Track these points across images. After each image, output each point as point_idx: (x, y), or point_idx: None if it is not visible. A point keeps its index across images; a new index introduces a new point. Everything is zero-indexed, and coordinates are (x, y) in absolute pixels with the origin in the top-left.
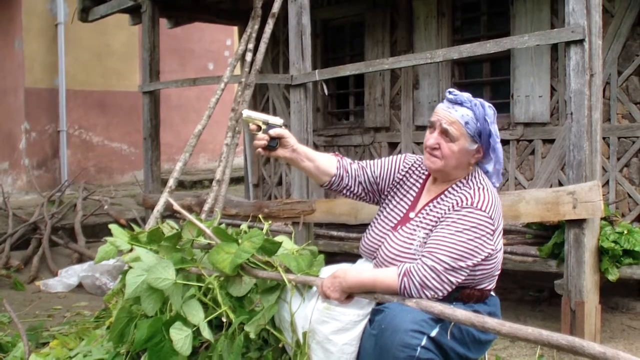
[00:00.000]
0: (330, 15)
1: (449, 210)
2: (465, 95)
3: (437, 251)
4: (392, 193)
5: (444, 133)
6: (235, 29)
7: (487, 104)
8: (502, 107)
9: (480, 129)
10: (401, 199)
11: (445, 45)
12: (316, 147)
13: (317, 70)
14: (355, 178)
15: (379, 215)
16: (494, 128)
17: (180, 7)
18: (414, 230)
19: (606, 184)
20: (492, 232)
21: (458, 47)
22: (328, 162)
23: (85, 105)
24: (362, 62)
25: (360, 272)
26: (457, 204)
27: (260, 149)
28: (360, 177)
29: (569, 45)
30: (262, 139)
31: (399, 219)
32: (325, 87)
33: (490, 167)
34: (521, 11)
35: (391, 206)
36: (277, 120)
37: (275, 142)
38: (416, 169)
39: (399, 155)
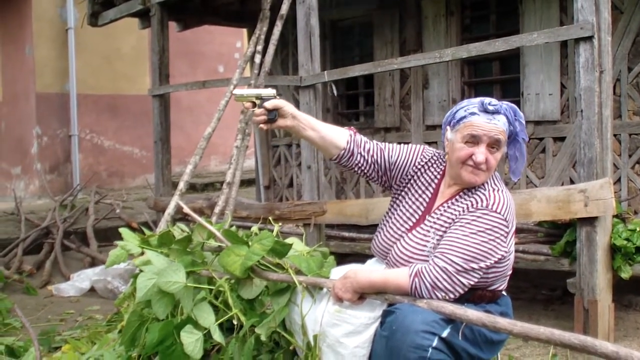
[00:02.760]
0: (338, 16)
1: (463, 211)
2: (497, 102)
3: (449, 252)
4: (406, 188)
5: (493, 145)
6: (245, 31)
7: (510, 104)
8: None
9: (511, 131)
10: (417, 199)
11: (455, 44)
12: None
13: (326, 71)
14: (368, 157)
15: (393, 213)
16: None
17: (189, 11)
18: (428, 231)
19: (618, 181)
20: (505, 235)
21: (467, 45)
22: (337, 135)
23: (96, 110)
24: (371, 62)
25: (371, 272)
26: (472, 205)
27: (261, 125)
28: (374, 158)
29: (578, 42)
30: (259, 114)
31: (414, 220)
32: (334, 88)
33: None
34: (530, 9)
35: (406, 205)
36: (270, 91)
37: (273, 114)
38: (432, 165)
39: (417, 146)
